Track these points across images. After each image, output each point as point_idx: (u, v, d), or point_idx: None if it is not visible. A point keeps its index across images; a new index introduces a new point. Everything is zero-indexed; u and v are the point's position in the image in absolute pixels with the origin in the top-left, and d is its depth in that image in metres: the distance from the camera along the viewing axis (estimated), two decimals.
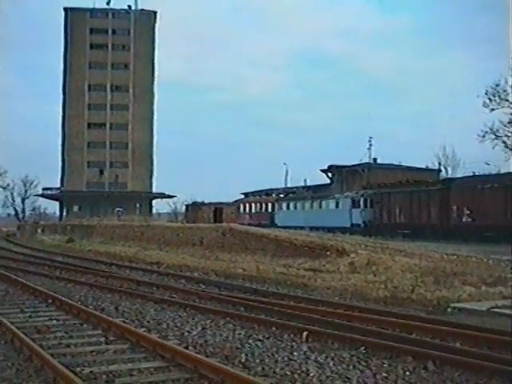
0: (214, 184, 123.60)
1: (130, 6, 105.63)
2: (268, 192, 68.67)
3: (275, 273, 19.68)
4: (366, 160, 65.91)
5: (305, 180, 72.45)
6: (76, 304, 12.96)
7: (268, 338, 9.96)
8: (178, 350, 8.42)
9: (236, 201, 68.24)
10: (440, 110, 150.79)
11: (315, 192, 60.49)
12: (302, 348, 9.17)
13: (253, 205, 61.59)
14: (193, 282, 18.50)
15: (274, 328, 10.61)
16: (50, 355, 8.14)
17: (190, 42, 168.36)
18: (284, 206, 55.18)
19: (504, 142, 41.51)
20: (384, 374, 7.67)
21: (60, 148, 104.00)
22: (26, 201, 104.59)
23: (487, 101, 40.94)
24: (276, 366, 8.10)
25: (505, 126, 41.27)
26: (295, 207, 53.32)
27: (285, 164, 79.04)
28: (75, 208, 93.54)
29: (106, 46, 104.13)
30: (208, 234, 31.89)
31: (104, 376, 7.47)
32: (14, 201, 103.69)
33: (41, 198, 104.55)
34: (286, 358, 8.51)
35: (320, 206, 49.96)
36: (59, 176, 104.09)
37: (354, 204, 45.64)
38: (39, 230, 63.19)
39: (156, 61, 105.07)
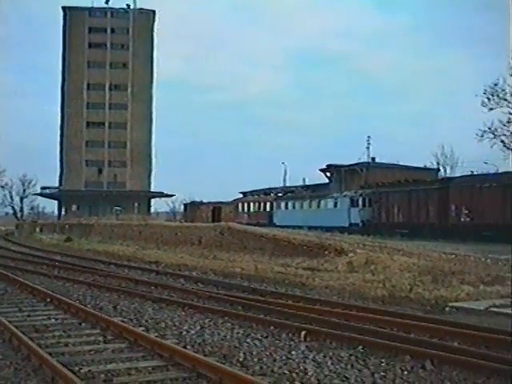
0: (212, 183, 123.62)
1: (128, 6, 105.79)
2: (266, 191, 68.68)
3: (273, 272, 19.69)
4: (364, 159, 65.98)
5: (303, 179, 72.55)
6: (74, 303, 12.95)
7: (266, 337, 9.97)
8: (176, 349, 8.42)
9: (234, 200, 68.27)
10: (439, 110, 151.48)
11: (314, 191, 60.49)
12: (300, 347, 9.17)
13: (251, 204, 61.63)
14: (191, 282, 18.48)
15: (272, 327, 10.61)
16: (49, 354, 8.13)
17: (190, 42, 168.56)
18: (282, 205, 55.21)
19: (502, 142, 41.48)
20: (382, 373, 7.67)
21: (58, 147, 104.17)
22: (25, 200, 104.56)
23: (486, 100, 40.91)
24: (274, 365, 8.10)
25: (503, 125, 41.22)
26: (294, 206, 53.34)
27: (283, 163, 79.01)
28: (74, 207, 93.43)
29: (105, 45, 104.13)
30: (206, 233, 31.89)
31: (102, 375, 7.47)
32: (12, 200, 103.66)
33: (39, 197, 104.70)
34: (284, 357, 8.51)
35: (318, 206, 50.00)
36: (58, 175, 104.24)
37: (353, 203, 45.68)
38: (37, 229, 63.17)
39: (155, 60, 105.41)
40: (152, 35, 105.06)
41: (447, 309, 12.75)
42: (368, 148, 67.92)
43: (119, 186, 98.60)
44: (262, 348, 9.13)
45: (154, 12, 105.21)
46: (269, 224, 50.38)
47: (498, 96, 40.44)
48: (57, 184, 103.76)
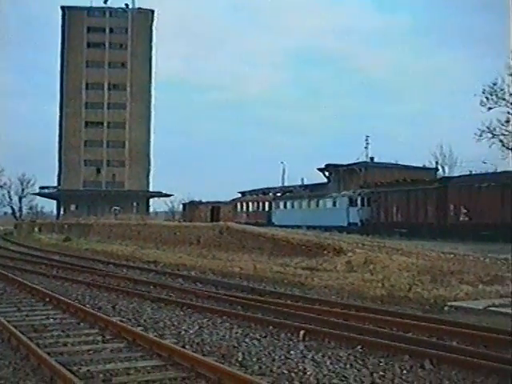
0: (211, 183, 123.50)
1: (127, 5, 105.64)
2: (265, 191, 68.62)
3: (272, 272, 19.68)
4: (363, 159, 65.97)
5: (302, 179, 72.48)
6: (73, 303, 12.94)
7: (265, 336, 9.96)
8: (174, 348, 8.41)
9: (233, 200, 68.23)
10: (438, 110, 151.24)
11: (312, 191, 60.47)
12: (299, 347, 9.17)
13: (250, 204, 61.61)
14: (190, 281, 18.48)
15: (270, 327, 10.61)
16: (47, 354, 8.13)
17: (189, 41, 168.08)
18: (281, 204, 55.21)
19: (501, 141, 41.57)
20: (381, 373, 7.67)
21: (57, 146, 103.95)
22: (23, 199, 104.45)
23: (484, 100, 41.00)
24: (273, 364, 8.10)
25: (502, 124, 41.33)
26: (292, 206, 53.34)
27: (282, 163, 78.96)
28: (72, 207, 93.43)
29: (104, 44, 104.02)
30: (205, 233, 31.89)
31: (101, 375, 7.46)
32: (10, 199, 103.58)
33: (38, 197, 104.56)
34: (282, 357, 8.51)
35: (317, 205, 49.99)
36: (56, 175, 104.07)
37: (351, 203, 45.67)
38: (36, 229, 63.13)
39: (154, 60, 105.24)
40: (151, 35, 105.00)
41: (446, 308, 12.77)
42: (366, 148, 67.96)
43: (118, 186, 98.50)
44: (260, 348, 9.13)
45: (152, 11, 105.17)
46: (267, 224, 50.34)
47: (496, 95, 40.55)
48: (55, 184, 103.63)
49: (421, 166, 64.45)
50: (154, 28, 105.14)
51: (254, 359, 8.39)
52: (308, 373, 7.65)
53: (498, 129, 41.11)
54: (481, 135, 41.21)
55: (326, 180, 65.92)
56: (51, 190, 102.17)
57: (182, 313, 12.37)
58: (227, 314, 11.88)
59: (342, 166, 62.29)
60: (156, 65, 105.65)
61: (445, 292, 14.15)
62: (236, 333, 10.27)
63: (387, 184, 45.03)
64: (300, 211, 50.80)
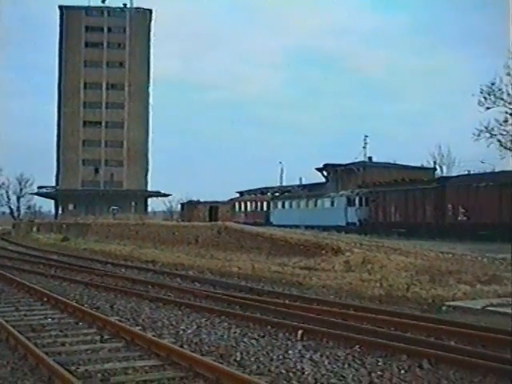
0: (209, 183, 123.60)
1: (125, 5, 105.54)
2: (263, 191, 68.66)
3: (270, 271, 19.68)
4: (361, 159, 66.05)
5: (300, 179, 72.60)
6: (71, 302, 12.93)
7: (263, 336, 9.97)
8: (173, 348, 8.41)
9: (231, 199, 68.24)
10: (436, 110, 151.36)
11: (310, 191, 60.52)
12: (297, 346, 9.17)
13: (248, 203, 61.59)
14: (188, 281, 18.49)
15: (269, 326, 10.61)
16: (45, 353, 8.12)
17: (187, 41, 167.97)
18: (279, 204, 55.20)
19: (499, 141, 41.46)
20: (379, 373, 7.67)
21: (55, 146, 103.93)
22: (21, 199, 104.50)
23: (482, 99, 40.93)
24: (271, 364, 8.11)
25: (500, 124, 41.20)
26: (290, 206, 53.34)
27: (280, 163, 79.05)
28: (70, 206, 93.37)
29: (102, 44, 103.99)
30: (203, 233, 31.87)
31: (99, 374, 7.46)
32: (9, 199, 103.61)
33: (36, 197, 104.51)
34: (280, 357, 8.52)
35: (315, 205, 49.99)
36: (54, 174, 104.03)
37: (350, 202, 45.66)
38: (34, 229, 63.10)
39: (152, 59, 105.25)
40: (149, 34, 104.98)
41: (444, 308, 12.77)
42: (365, 147, 68.06)
43: (116, 186, 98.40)
44: (258, 347, 9.13)
45: (150, 11, 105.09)
46: (266, 223, 50.32)
47: (494, 95, 40.43)
48: (53, 183, 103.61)
49: (419, 165, 64.57)
50: (152, 27, 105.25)
51: (252, 359, 8.39)
52: (306, 372, 7.66)
53: (496, 128, 41.01)
54: (479, 135, 41.12)
55: (324, 180, 65.96)
56: (49, 190, 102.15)
57: (180, 312, 12.37)
58: (225, 314, 11.88)
59: (340, 165, 62.31)
60: (154, 64, 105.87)
61: (443, 292, 14.16)
62: (234, 332, 10.28)
63: (385, 184, 45.05)
64: (298, 211, 50.80)
